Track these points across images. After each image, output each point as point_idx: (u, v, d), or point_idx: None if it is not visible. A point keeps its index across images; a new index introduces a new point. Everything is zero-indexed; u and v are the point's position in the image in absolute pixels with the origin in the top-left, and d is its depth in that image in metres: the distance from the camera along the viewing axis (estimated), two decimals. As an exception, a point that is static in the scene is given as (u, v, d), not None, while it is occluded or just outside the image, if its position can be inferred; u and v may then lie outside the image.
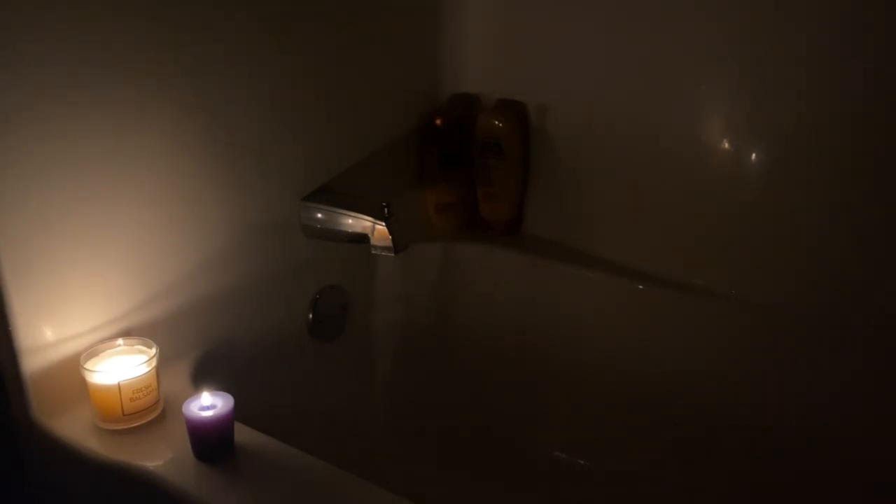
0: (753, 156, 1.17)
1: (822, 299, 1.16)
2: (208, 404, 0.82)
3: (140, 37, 0.91)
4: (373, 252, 1.13)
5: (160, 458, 0.84)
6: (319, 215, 1.16)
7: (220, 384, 0.85)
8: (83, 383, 0.88)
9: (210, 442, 0.82)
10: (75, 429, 0.89)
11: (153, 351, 0.90)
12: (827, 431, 1.14)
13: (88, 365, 0.88)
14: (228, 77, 1.02)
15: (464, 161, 1.41)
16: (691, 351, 1.25)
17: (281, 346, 1.16)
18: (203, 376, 0.99)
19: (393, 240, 1.10)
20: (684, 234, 1.26)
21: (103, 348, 0.92)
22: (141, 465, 0.83)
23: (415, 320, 1.40)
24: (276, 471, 0.82)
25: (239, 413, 0.83)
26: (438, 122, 1.38)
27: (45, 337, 0.89)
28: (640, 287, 1.28)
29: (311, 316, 1.22)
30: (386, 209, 1.10)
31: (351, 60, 1.21)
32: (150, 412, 0.89)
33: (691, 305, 1.24)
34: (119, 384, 0.86)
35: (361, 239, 1.13)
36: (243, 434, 0.86)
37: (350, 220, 1.14)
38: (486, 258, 1.41)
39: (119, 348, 0.93)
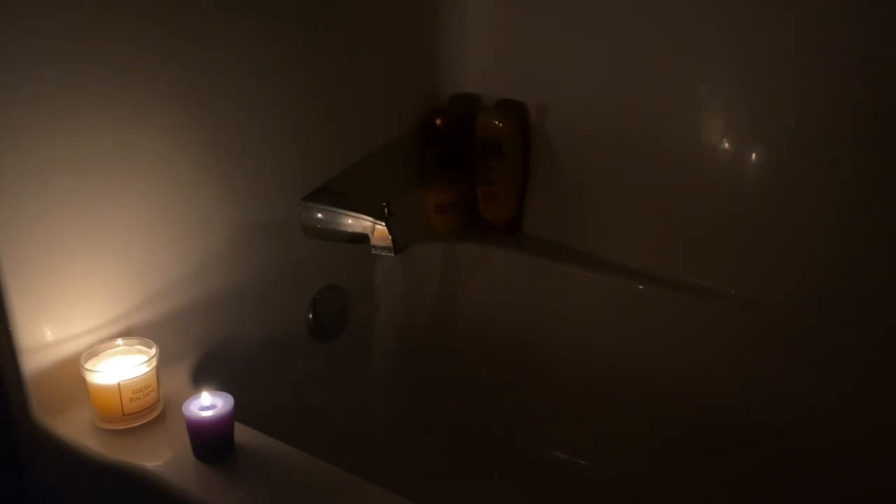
0: (753, 156, 1.17)
1: (822, 299, 1.16)
2: (208, 404, 0.82)
3: (141, 38, 0.91)
4: (373, 252, 1.13)
5: (160, 458, 0.84)
6: (319, 215, 1.16)
7: (220, 384, 0.86)
8: (83, 383, 0.88)
9: (210, 442, 0.82)
10: (75, 429, 0.88)
11: (153, 351, 0.90)
12: (827, 431, 1.14)
13: (88, 365, 0.88)
14: (229, 78, 1.02)
15: (464, 161, 1.41)
16: (691, 351, 1.25)
17: (281, 346, 1.17)
18: (203, 376, 0.99)
19: (393, 240, 1.10)
20: (684, 234, 1.26)
21: (103, 348, 0.92)
22: (141, 465, 0.83)
23: (415, 320, 1.41)
24: (276, 471, 0.82)
25: (239, 413, 0.83)
26: (438, 122, 1.38)
27: (45, 337, 0.89)
28: (640, 287, 1.28)
29: (311, 316, 1.22)
30: (386, 209, 1.10)
31: (351, 61, 1.21)
32: (150, 412, 0.89)
33: (691, 305, 1.24)
34: (119, 384, 0.86)
35: (361, 239, 1.13)
36: (243, 434, 0.86)
37: (350, 220, 1.14)
38: (486, 258, 1.41)
39: (119, 348, 0.93)
